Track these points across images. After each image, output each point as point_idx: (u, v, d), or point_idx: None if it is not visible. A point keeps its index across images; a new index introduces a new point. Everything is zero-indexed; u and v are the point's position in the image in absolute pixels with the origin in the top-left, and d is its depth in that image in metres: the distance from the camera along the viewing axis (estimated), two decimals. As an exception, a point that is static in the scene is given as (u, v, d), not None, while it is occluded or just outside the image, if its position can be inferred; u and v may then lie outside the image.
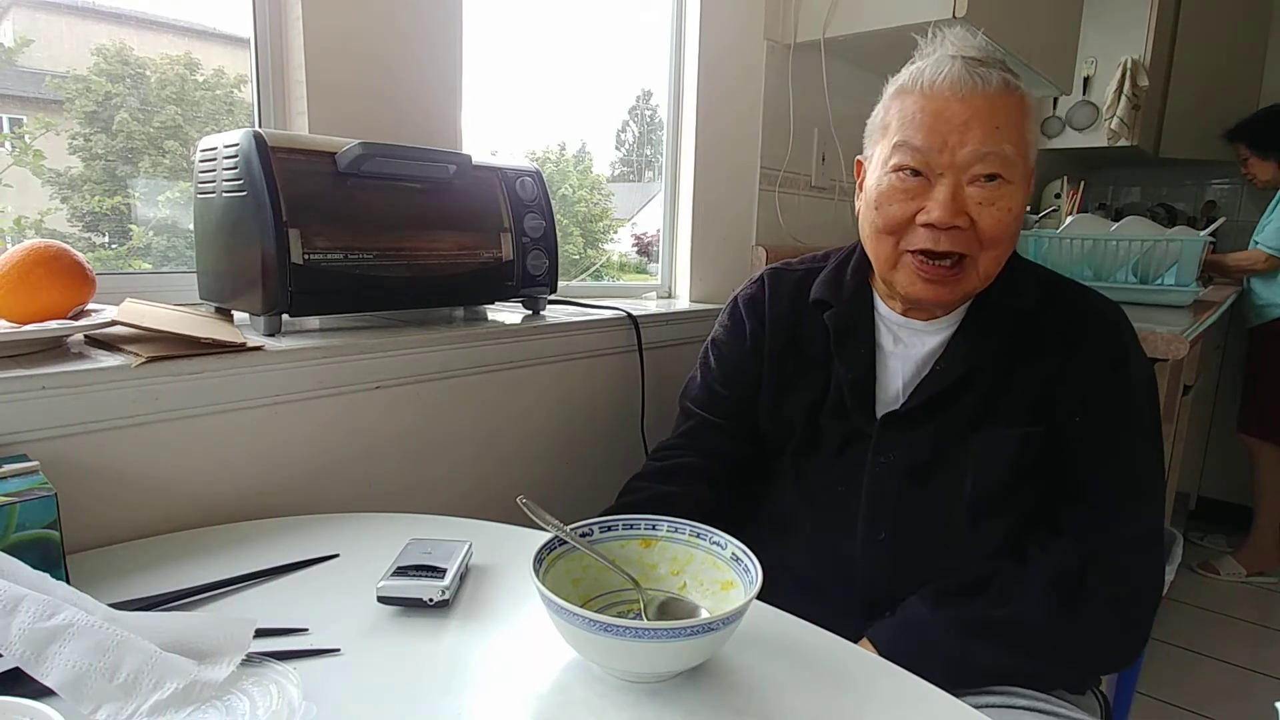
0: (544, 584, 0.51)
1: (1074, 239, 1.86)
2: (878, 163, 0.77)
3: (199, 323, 0.80)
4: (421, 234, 0.94)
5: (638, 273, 1.71)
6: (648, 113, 1.66)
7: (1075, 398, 0.75)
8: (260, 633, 0.52)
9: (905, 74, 0.77)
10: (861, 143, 0.83)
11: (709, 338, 0.95)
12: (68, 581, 0.53)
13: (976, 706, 0.51)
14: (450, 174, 0.96)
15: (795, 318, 0.87)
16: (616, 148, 1.71)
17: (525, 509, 0.58)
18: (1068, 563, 0.72)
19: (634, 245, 1.74)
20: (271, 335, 0.84)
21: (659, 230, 1.57)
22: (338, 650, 0.54)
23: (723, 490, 0.86)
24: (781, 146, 1.63)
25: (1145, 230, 1.83)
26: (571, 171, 1.63)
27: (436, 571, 0.61)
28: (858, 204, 0.82)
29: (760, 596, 0.53)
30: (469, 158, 0.98)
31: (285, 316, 0.85)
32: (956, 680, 0.58)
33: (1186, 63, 2.80)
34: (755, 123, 1.58)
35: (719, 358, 0.91)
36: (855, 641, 0.61)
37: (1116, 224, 1.88)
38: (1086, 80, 2.65)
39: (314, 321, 0.95)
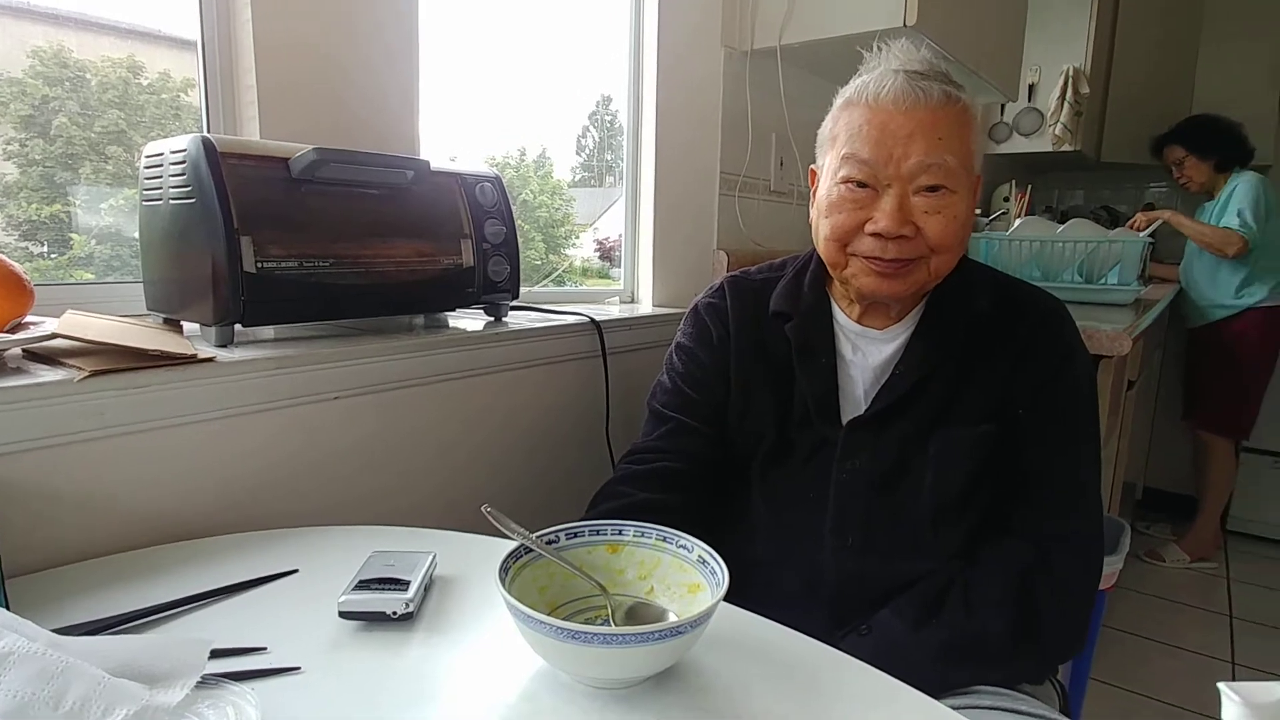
0: (510, 593, 0.50)
1: (1023, 241, 1.92)
2: (828, 173, 0.79)
3: (146, 334, 0.78)
4: (379, 241, 0.92)
5: (600, 277, 1.71)
6: (608, 118, 1.67)
7: (1024, 395, 0.78)
8: (216, 653, 0.50)
9: (851, 87, 0.79)
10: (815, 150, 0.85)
11: (674, 342, 0.95)
12: (6, 607, 0.50)
13: (944, 703, 0.51)
14: (408, 180, 0.95)
15: (757, 327, 0.88)
16: (577, 153, 1.71)
17: (490, 518, 0.57)
18: (1019, 564, 0.75)
19: (596, 250, 1.74)
20: (224, 346, 0.82)
21: (621, 235, 1.57)
22: (298, 668, 0.52)
23: (701, 494, 0.86)
24: (740, 151, 1.64)
25: (1089, 232, 1.89)
26: (532, 177, 1.63)
27: (400, 584, 0.59)
28: (812, 212, 0.84)
29: (729, 600, 0.53)
30: (427, 163, 0.97)
31: (238, 327, 0.83)
32: (929, 694, 0.59)
33: (1124, 72, 2.91)
34: (714, 128, 1.60)
35: (686, 361, 0.91)
36: None
37: (1062, 226, 1.94)
38: (1031, 88, 2.73)
39: (268, 331, 0.93)
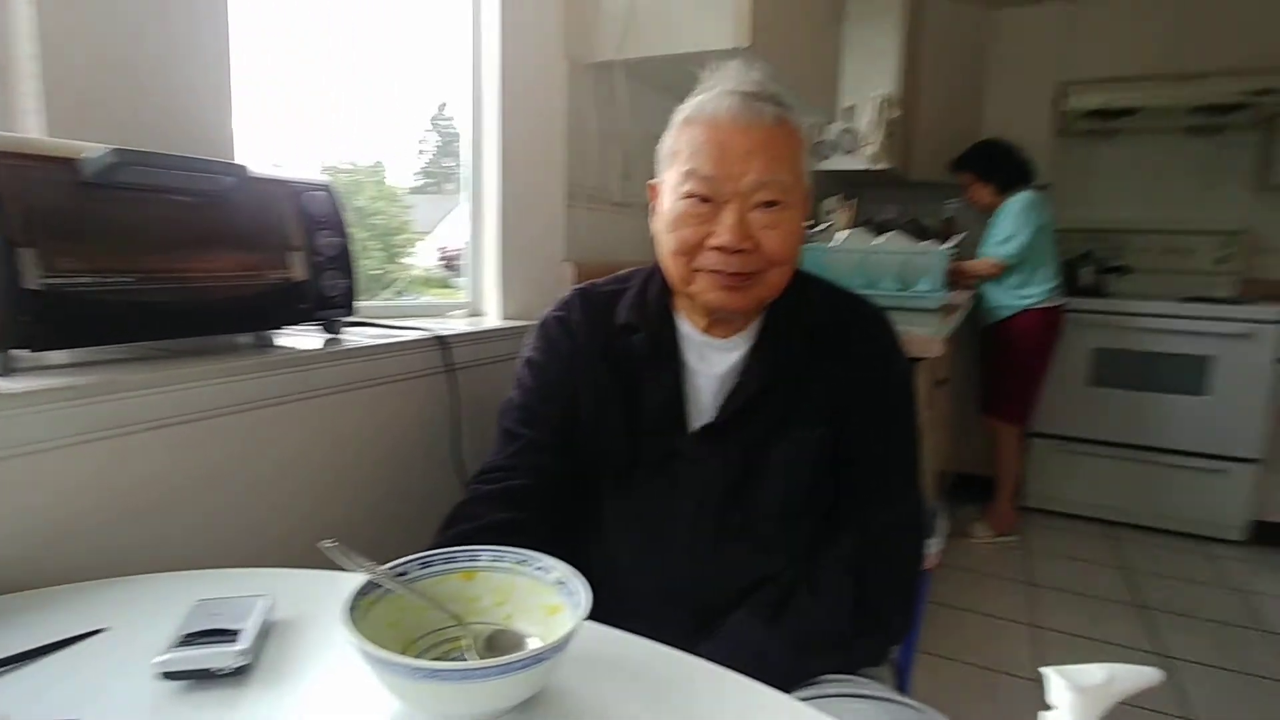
0: (359, 633, 0.47)
1: (848, 252, 2.08)
2: (670, 188, 0.82)
3: (-105, 365, 0.66)
4: (195, 253, 0.84)
5: (444, 287, 1.66)
6: (446, 123, 1.62)
7: (855, 396, 0.84)
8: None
9: (690, 105, 0.82)
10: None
11: (523, 357, 0.94)
12: None
13: (800, 700, 0.54)
14: (227, 186, 0.87)
15: (605, 339, 0.89)
16: (416, 157, 1.65)
17: (330, 554, 0.54)
18: (855, 554, 0.81)
19: (439, 259, 1.68)
20: (4, 376, 0.71)
21: (464, 243, 1.53)
22: (110, 743, 0.46)
23: (554, 511, 0.85)
24: (586, 163, 1.66)
25: (903, 244, 2.09)
26: (367, 182, 1.55)
27: (229, 635, 0.54)
28: (653, 226, 0.86)
29: (591, 618, 0.53)
30: (245, 169, 0.89)
31: (25, 352, 0.72)
32: (784, 690, 0.62)
33: (926, 99, 3.24)
34: (559, 138, 1.60)
35: (536, 376, 0.91)
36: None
37: (880, 238, 2.13)
38: (850, 110, 2.97)
39: (63, 356, 0.81)
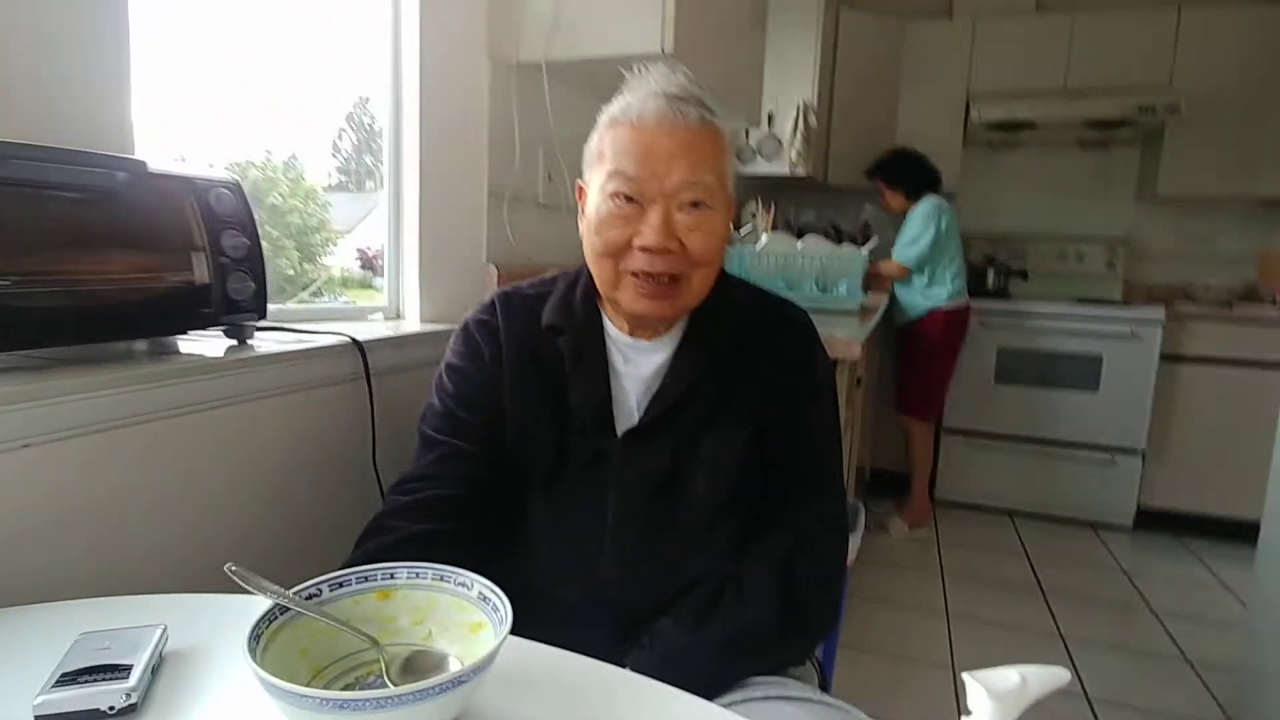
0: (264, 662, 0.44)
1: (770, 255, 2.12)
2: (596, 188, 0.81)
3: None
4: (84, 254, 0.78)
5: (363, 288, 1.60)
6: (366, 119, 1.56)
7: (779, 396, 0.86)
8: None
9: (616, 106, 0.82)
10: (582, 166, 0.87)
11: (443, 362, 0.91)
12: None
13: (727, 706, 0.54)
14: (119, 182, 0.81)
15: (530, 342, 0.88)
16: (333, 155, 1.58)
17: (236, 578, 0.50)
18: (780, 553, 0.82)
19: (358, 259, 1.62)
20: None
21: (385, 244, 1.48)
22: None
23: (478, 520, 0.83)
24: (508, 164, 1.63)
25: (823, 248, 2.14)
26: (281, 179, 1.47)
27: (118, 671, 0.50)
28: (581, 227, 0.85)
29: (514, 630, 0.51)
30: (144, 164, 0.83)
31: None
32: (713, 694, 0.62)
33: (842, 107, 3.35)
34: (481, 138, 1.56)
35: (458, 382, 0.88)
36: (614, 662, 0.62)
37: (800, 242, 2.18)
38: (771, 116, 3.04)
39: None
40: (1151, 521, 3.09)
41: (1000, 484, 3.29)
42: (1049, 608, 2.41)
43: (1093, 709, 1.86)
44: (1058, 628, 2.28)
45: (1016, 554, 2.85)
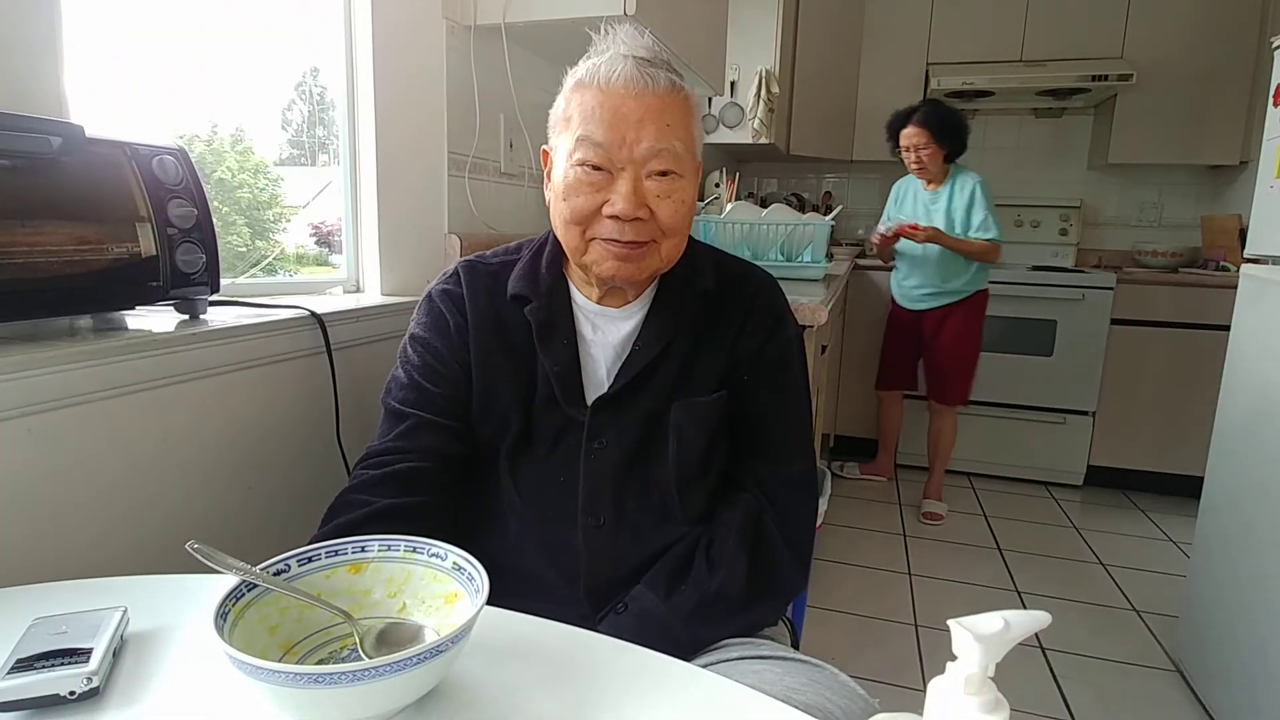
0: (232, 640, 0.43)
1: (735, 223, 2.12)
2: (563, 155, 0.79)
3: None
4: (17, 225, 0.74)
5: (318, 264, 1.55)
6: (317, 90, 1.50)
7: (747, 360, 0.85)
8: None
9: (582, 69, 0.79)
10: (546, 131, 0.84)
11: (407, 334, 0.89)
12: None
13: (704, 666, 0.55)
14: (54, 148, 0.77)
15: (495, 312, 0.86)
16: (283, 128, 1.52)
17: (199, 555, 0.49)
18: (749, 516, 0.82)
19: (312, 235, 1.57)
20: None
21: (340, 219, 1.44)
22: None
23: (447, 493, 0.82)
24: (469, 131, 1.59)
25: (787, 216, 2.14)
26: (229, 153, 1.41)
27: (77, 655, 0.48)
28: (547, 194, 0.83)
29: (491, 602, 0.51)
30: (80, 128, 0.79)
31: None
32: (688, 657, 0.62)
33: (803, 76, 3.34)
34: (439, 105, 1.52)
35: (423, 353, 0.86)
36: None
37: (765, 210, 2.17)
38: (733, 84, 3.01)
39: None
40: (1100, 479, 3.21)
41: (960, 447, 3.36)
42: (1005, 565, 2.49)
43: (1046, 658, 1.94)
44: (1014, 583, 2.36)
45: (975, 514, 2.94)
